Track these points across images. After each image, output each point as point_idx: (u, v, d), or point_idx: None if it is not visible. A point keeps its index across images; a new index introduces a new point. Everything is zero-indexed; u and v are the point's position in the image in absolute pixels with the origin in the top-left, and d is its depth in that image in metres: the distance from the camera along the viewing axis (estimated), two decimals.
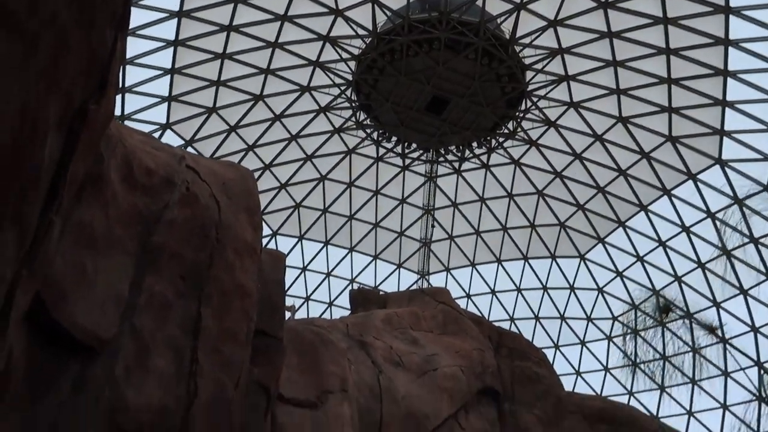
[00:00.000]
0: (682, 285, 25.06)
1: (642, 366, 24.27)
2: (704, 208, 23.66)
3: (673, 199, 24.54)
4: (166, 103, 24.02)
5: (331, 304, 30.56)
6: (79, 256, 4.78)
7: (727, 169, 22.26)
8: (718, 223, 23.09)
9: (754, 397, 23.30)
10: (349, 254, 30.60)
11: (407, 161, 29.04)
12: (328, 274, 30.43)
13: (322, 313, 29.44)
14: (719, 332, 18.13)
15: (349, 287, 29.16)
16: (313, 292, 30.34)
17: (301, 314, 27.25)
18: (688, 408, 25.24)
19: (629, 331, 23.05)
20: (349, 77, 25.24)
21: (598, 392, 27.04)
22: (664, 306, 17.49)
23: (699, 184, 23.42)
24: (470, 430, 15.95)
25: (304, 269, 29.91)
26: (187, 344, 5.58)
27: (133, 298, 5.18)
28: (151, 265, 5.43)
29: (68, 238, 4.64)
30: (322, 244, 30.11)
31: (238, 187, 6.93)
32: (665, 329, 24.01)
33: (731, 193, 22.02)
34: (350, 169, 28.82)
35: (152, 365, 5.21)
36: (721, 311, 23.95)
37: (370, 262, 31.04)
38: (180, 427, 5.38)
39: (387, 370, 13.50)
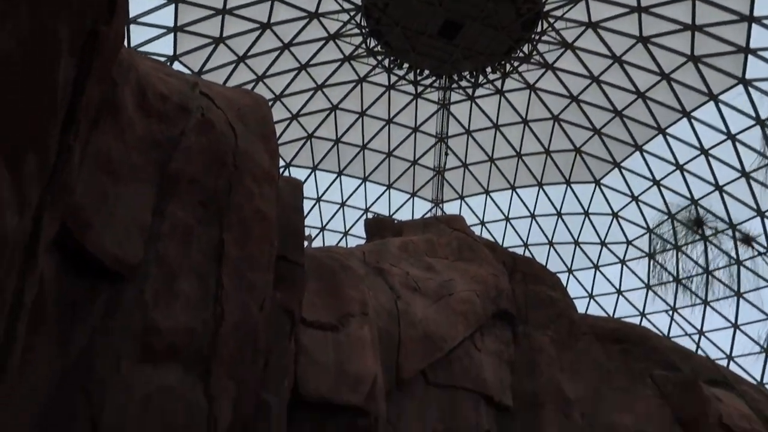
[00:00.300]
0: (699, 208, 24.90)
1: (658, 287, 24.56)
2: (724, 129, 23.14)
3: (692, 121, 23.99)
4: (172, 34, 23.47)
5: (346, 233, 30.89)
6: (99, 184, 4.81)
7: (750, 89, 21.59)
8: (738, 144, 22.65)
9: (766, 317, 23.63)
10: (363, 184, 30.61)
11: (419, 89, 28.46)
12: (343, 204, 30.58)
13: (338, 243, 29.82)
14: (754, 243, 18.04)
15: (364, 217, 29.34)
16: (328, 222, 30.61)
17: (317, 244, 27.63)
18: (699, 328, 25.70)
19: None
20: (358, 1, 24.38)
21: (611, 314, 27.52)
22: (696, 219, 17.32)
23: (720, 105, 22.80)
24: (485, 351, 16.40)
25: (318, 200, 30.05)
26: (212, 270, 5.68)
27: (157, 224, 5.24)
28: (171, 192, 5.46)
29: (87, 165, 4.65)
30: (336, 175, 30.08)
31: (253, 114, 6.85)
32: (679, 252, 24.08)
33: (753, 114, 21.46)
34: (362, 98, 28.34)
35: (179, 290, 5.33)
36: (737, 234, 23.89)
37: (383, 192, 31.09)
38: (209, 349, 5.56)
39: (404, 296, 13.77)
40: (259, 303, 6.07)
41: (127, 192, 5.04)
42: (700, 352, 23.47)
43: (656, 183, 26.29)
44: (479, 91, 28.20)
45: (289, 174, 28.54)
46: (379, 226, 20.37)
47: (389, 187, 31.07)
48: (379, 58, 26.88)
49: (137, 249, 5.01)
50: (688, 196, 25.21)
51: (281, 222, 6.89)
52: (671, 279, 24.73)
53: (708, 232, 18.59)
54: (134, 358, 5.00)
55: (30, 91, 3.09)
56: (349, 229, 30.92)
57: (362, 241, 21.29)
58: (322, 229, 30.60)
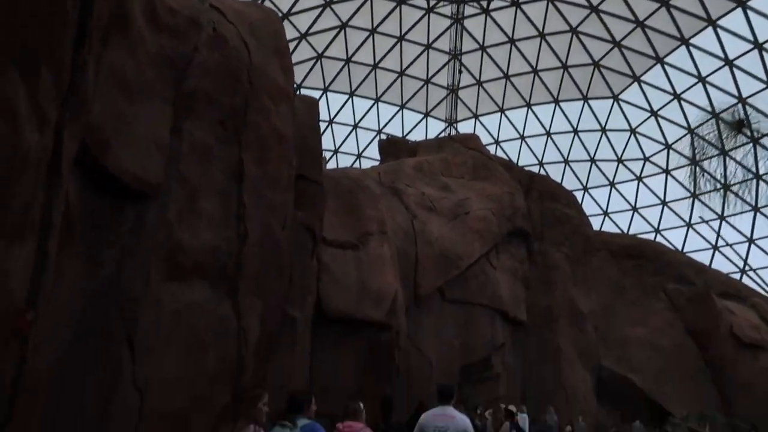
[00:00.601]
0: (720, 123, 24.27)
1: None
2: (751, 38, 22.13)
3: (718, 30, 22.91)
4: None
5: (359, 155, 30.68)
6: (115, 103, 4.71)
7: None
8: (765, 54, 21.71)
9: None
10: (375, 105, 30.06)
11: (432, 2, 27.32)
12: (355, 126, 30.20)
13: (351, 165, 29.66)
14: None
15: (377, 138, 29.02)
16: (341, 144, 30.35)
17: (330, 167, 27.53)
18: (714, 243, 25.73)
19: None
20: None
21: (626, 231, 27.56)
22: (738, 122, 16.82)
23: (748, 11, 21.69)
24: (500, 267, 16.65)
25: (330, 122, 29.66)
26: (232, 189, 5.67)
27: (176, 144, 5.18)
28: (188, 110, 5.35)
29: (102, 84, 4.54)
30: (347, 96, 29.51)
31: (265, 29, 6.60)
32: (696, 166, 23.72)
33: None
34: (372, 13, 27.26)
35: (201, 209, 5.34)
36: (757, 147, 23.41)
37: (396, 112, 30.56)
38: (234, 267, 5.64)
39: (420, 215, 13.84)
40: (281, 221, 6.09)
41: (143, 111, 4.94)
42: (714, 266, 23.59)
43: (677, 97, 25.51)
44: (494, 4, 27.00)
45: None
46: (393, 147, 20.21)
47: (402, 107, 30.50)
48: None
49: (157, 168, 4.98)
50: (710, 109, 24.53)
51: (298, 141, 6.80)
52: (688, 195, 24.54)
53: (745, 138, 18.06)
54: (162, 275, 5.08)
55: (39, 4, 2.96)
56: (362, 151, 30.67)
57: (376, 163, 21.12)
58: (336, 151, 30.39)
